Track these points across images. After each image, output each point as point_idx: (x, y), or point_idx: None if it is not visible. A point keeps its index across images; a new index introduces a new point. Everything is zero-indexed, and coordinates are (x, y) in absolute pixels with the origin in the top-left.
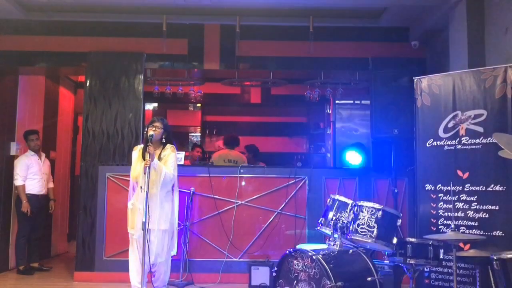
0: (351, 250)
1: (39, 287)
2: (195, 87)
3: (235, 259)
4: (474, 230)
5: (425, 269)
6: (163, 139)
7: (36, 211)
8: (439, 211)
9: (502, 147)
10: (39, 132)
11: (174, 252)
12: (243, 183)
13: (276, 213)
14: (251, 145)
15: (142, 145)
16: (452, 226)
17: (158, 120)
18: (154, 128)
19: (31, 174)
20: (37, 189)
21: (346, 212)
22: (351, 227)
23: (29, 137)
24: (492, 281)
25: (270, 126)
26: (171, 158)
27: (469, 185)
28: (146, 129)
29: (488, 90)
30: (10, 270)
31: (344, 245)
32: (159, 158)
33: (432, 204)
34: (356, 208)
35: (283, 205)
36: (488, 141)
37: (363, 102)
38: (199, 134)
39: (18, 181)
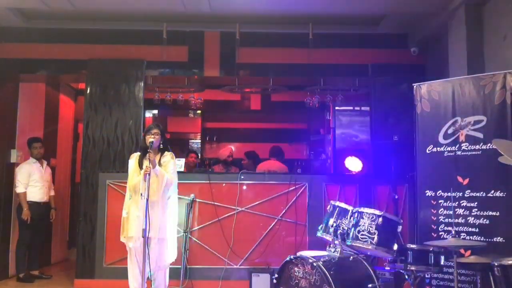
0: (351, 257)
1: None
2: (195, 94)
3: (235, 266)
4: (474, 236)
5: (426, 276)
6: (161, 145)
7: (37, 219)
8: (440, 217)
9: (502, 153)
10: (43, 141)
11: (173, 259)
12: (244, 188)
13: (276, 219)
14: (251, 151)
15: (138, 153)
16: (453, 232)
17: (155, 126)
18: (153, 135)
19: (33, 182)
20: (39, 196)
21: (347, 218)
22: (351, 233)
23: (33, 145)
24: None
25: (270, 133)
26: (171, 165)
27: (469, 191)
28: (143, 137)
29: (487, 96)
30: (10, 278)
31: (345, 251)
32: (159, 165)
33: (432, 210)
34: (356, 214)
35: (283, 212)
36: (488, 147)
37: (363, 108)
38: (199, 140)
39: (19, 188)
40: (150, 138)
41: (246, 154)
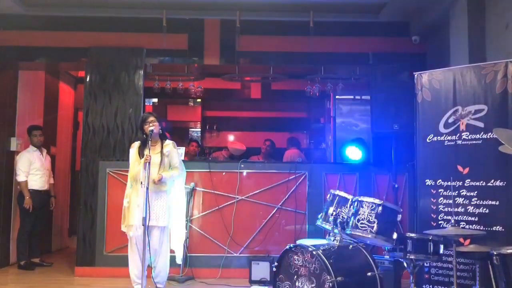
0: (351, 245)
1: (40, 282)
2: (195, 82)
3: (235, 254)
4: (474, 225)
5: (425, 264)
6: (160, 131)
7: (38, 207)
8: (439, 206)
9: (503, 142)
10: (43, 129)
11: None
12: (244, 175)
13: (276, 208)
14: (271, 140)
15: (139, 142)
16: (452, 221)
17: (151, 115)
18: (152, 124)
19: (33, 170)
20: (40, 184)
21: (346, 207)
22: (351, 222)
23: (33, 132)
24: (492, 276)
25: (271, 121)
26: (175, 157)
27: (469, 180)
28: (141, 128)
29: (488, 85)
30: (11, 265)
31: (344, 240)
32: (161, 154)
33: (432, 199)
34: (356, 203)
35: (283, 201)
36: (488, 136)
37: (363, 97)
38: (200, 129)
39: (20, 177)
40: (150, 127)
41: (271, 141)
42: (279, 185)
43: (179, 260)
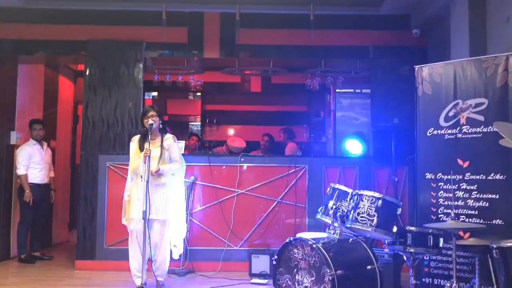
0: (351, 239)
1: (41, 276)
2: (195, 76)
3: (235, 248)
4: (474, 219)
5: (425, 258)
6: (160, 125)
7: (38, 201)
8: (439, 200)
9: (503, 135)
10: (44, 123)
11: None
12: (244, 168)
13: (276, 202)
14: (269, 134)
15: (139, 136)
16: (452, 214)
17: (152, 108)
18: (152, 118)
19: (33, 164)
20: (40, 178)
21: (346, 201)
22: (351, 216)
23: (33, 126)
24: (492, 270)
25: (270, 115)
26: (175, 150)
27: (469, 174)
28: (141, 121)
29: (489, 78)
30: (12, 259)
31: (344, 233)
32: (161, 147)
33: (432, 193)
34: (356, 197)
35: (283, 194)
36: (488, 130)
37: (363, 91)
38: (199, 123)
39: (20, 170)
40: (149, 121)
41: (269, 136)
42: (279, 179)
43: (176, 256)
